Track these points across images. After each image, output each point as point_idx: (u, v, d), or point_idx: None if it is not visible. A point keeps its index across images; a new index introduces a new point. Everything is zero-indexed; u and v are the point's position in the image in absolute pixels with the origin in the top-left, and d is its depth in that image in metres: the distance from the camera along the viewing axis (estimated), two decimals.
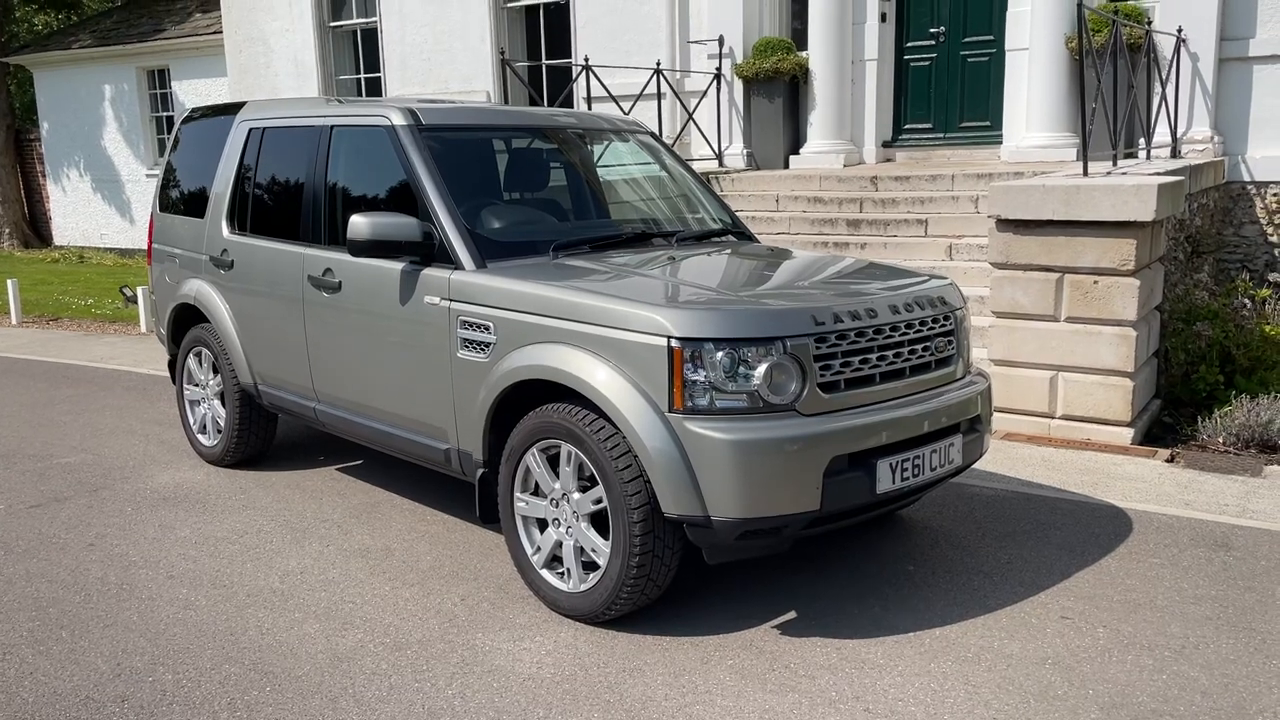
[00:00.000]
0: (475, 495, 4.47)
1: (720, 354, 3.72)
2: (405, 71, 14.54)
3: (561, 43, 13.46)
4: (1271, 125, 9.67)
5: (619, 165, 5.63)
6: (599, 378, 3.87)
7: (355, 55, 15.61)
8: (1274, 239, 9.80)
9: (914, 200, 9.49)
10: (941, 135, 11.29)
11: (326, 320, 5.16)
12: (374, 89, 15.25)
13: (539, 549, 4.24)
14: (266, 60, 16.00)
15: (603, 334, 3.90)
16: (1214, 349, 7.14)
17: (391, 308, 4.76)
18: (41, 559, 4.86)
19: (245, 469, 6.16)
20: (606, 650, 3.88)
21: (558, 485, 4.13)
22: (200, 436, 6.35)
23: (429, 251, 4.59)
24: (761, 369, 3.74)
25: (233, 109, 6.22)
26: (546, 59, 13.77)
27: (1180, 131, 9.73)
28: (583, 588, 4.06)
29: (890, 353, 4.08)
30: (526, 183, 5.40)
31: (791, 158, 11.44)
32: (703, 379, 3.72)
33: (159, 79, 18.94)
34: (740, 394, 3.74)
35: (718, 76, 11.66)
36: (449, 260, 4.55)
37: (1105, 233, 6.45)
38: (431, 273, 4.58)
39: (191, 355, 6.29)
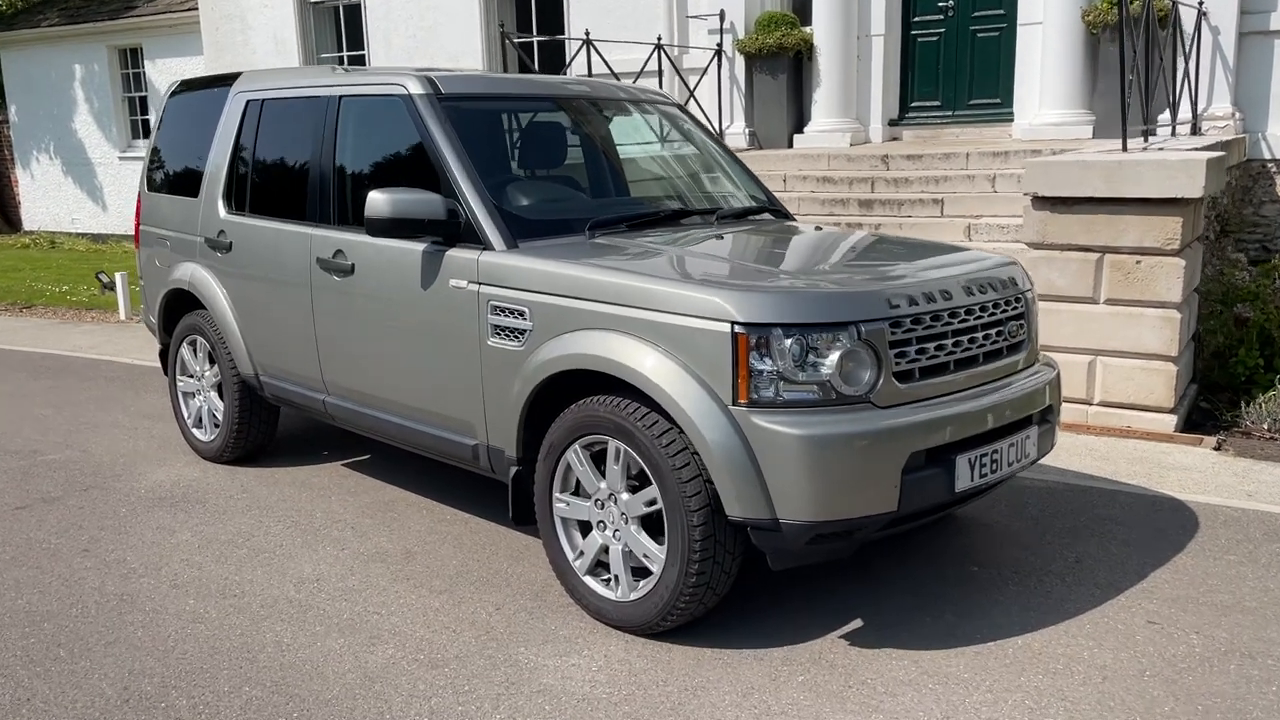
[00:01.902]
0: (508, 495, 4.12)
1: (789, 341, 3.38)
2: (390, 48, 14.07)
3: (553, 18, 13.03)
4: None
5: (645, 138, 5.26)
6: (652, 367, 3.53)
7: (337, 31, 15.12)
8: None
9: (928, 179, 9.18)
10: (950, 113, 10.97)
11: (337, 306, 4.78)
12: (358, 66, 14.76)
13: (581, 554, 3.90)
14: (244, 38, 15.48)
15: (656, 320, 3.55)
16: (1254, 331, 6.88)
17: (411, 292, 4.39)
18: (32, 567, 4.47)
19: (245, 465, 5.77)
20: (663, 666, 3.54)
21: (603, 485, 3.78)
22: (196, 431, 5.95)
23: (454, 231, 4.23)
24: (834, 357, 3.41)
25: (226, 80, 5.81)
26: (538, 34, 13.33)
27: (1201, 108, 9.46)
28: (633, 596, 3.72)
29: (965, 338, 3.75)
30: (550, 157, 5.03)
31: (795, 136, 11.10)
32: (770, 368, 3.38)
33: (131, 58, 18.32)
34: (810, 385, 3.40)
35: (719, 53, 11.30)
36: (476, 240, 4.18)
37: (1149, 210, 6.15)
38: (457, 254, 4.21)
39: (185, 344, 5.89)
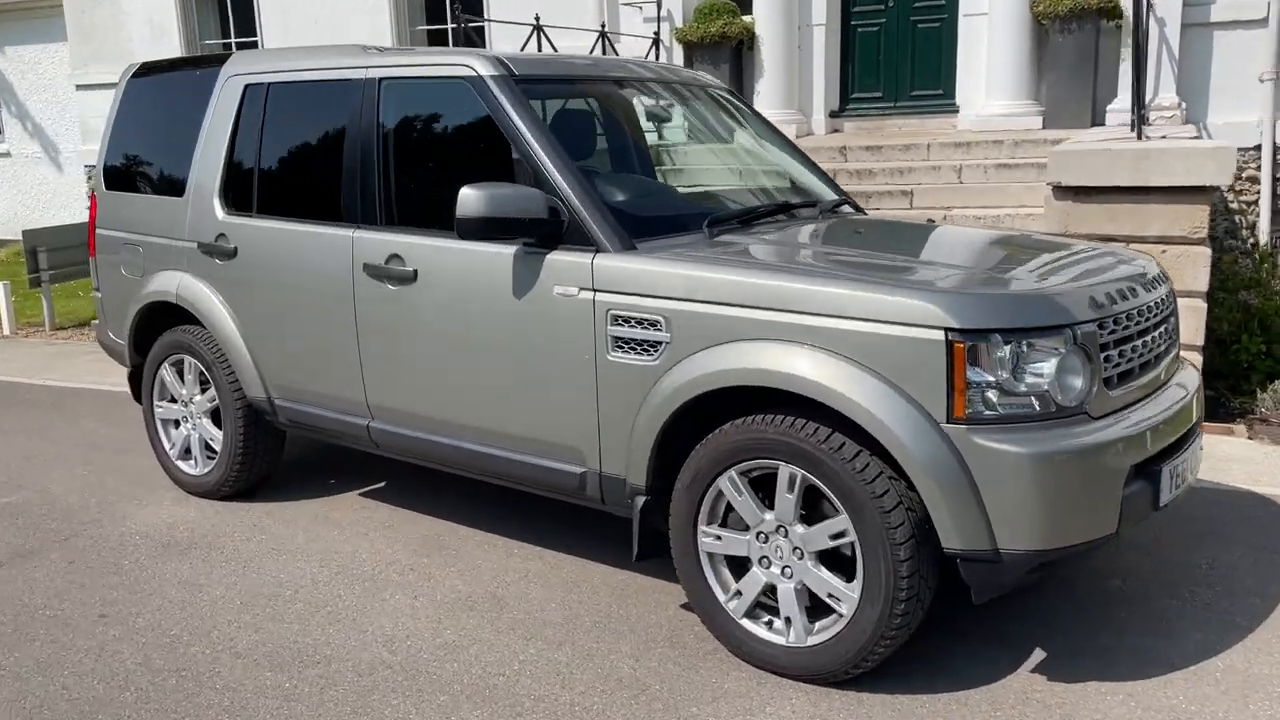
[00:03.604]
0: (633, 529, 3.63)
1: (1008, 348, 3.02)
2: (288, 36, 13.11)
3: (471, 1, 12.36)
4: (1230, 92, 9.62)
5: (712, 125, 4.82)
6: (845, 382, 3.11)
7: (223, 16, 14.02)
8: (1234, 206, 9.80)
9: (892, 171, 9.01)
10: (892, 104, 10.86)
11: (391, 319, 4.18)
12: None
13: (737, 594, 3.45)
14: (117, 22, 14.21)
15: (844, 328, 3.13)
16: (1255, 319, 6.92)
17: (499, 302, 3.84)
18: (47, 641, 3.73)
19: (243, 500, 5.07)
20: None
21: (770, 516, 3.34)
22: (182, 464, 5.20)
23: (554, 231, 3.71)
24: (1051, 364, 3.06)
25: (204, 62, 5.10)
26: (453, 21, 12.62)
27: (1148, 98, 9.58)
28: (812, 641, 3.30)
29: (1146, 339, 3.47)
30: (625, 146, 4.54)
31: None
32: (987, 380, 3.01)
33: None
34: (1028, 396, 3.05)
35: (656, 42, 10.89)
36: (583, 241, 3.67)
37: (1175, 199, 6.07)
38: (561, 257, 3.69)
39: (167, 365, 5.14)
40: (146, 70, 5.42)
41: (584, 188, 3.74)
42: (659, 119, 4.64)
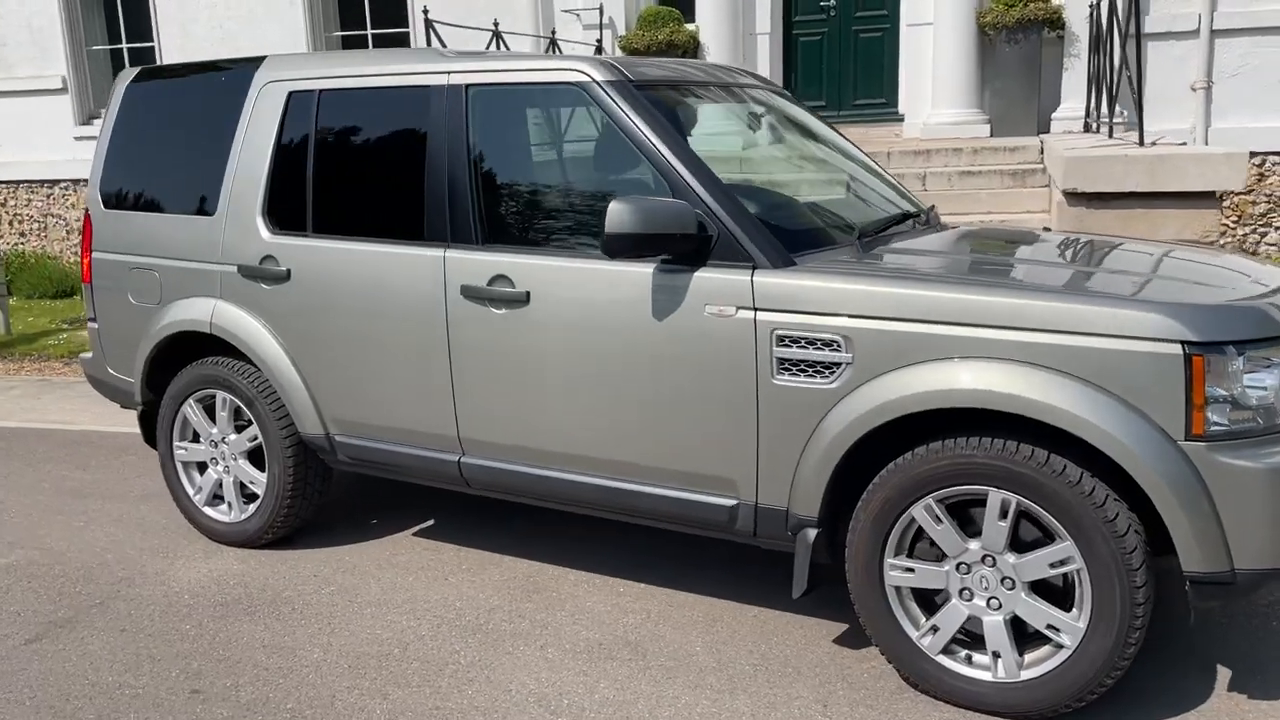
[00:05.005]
0: (799, 565, 3.40)
1: (1241, 360, 2.92)
2: (187, 40, 12.33)
3: (393, 6, 11.86)
4: (1163, 100, 9.99)
5: (787, 130, 4.63)
6: (1074, 402, 2.95)
7: (114, 20, 13.08)
8: None
9: None
10: (835, 113, 10.90)
11: (497, 345, 3.83)
12: (144, 63, 12.82)
13: (932, 629, 3.25)
14: None
15: (1066, 344, 2.98)
16: None
17: (636, 323, 3.56)
18: None
19: (284, 548, 4.61)
20: None
21: (974, 545, 3.16)
22: (211, 511, 4.69)
23: (702, 246, 3.45)
24: (1275, 376, 2.98)
25: (234, 65, 4.61)
26: (373, 27, 12.10)
27: (1091, 106, 9.86)
28: (1026, 676, 3.13)
29: None
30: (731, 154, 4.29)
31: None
32: (1222, 394, 2.91)
33: None
34: (1257, 410, 2.96)
35: (599, 50, 10.65)
36: (733, 257, 3.43)
37: (1187, 204, 6.21)
38: (712, 275, 3.44)
39: (192, 403, 4.62)
40: (149, 75, 4.89)
41: (733, 200, 3.50)
42: (754, 123, 4.42)
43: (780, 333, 3.34)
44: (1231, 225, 9.82)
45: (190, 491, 4.74)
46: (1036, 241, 4.04)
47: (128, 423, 6.61)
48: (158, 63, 11.97)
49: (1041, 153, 9.11)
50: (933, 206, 4.56)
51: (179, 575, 4.39)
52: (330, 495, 4.90)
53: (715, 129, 4.28)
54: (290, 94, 4.35)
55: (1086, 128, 9.71)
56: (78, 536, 4.86)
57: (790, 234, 3.56)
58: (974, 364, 3.08)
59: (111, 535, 4.85)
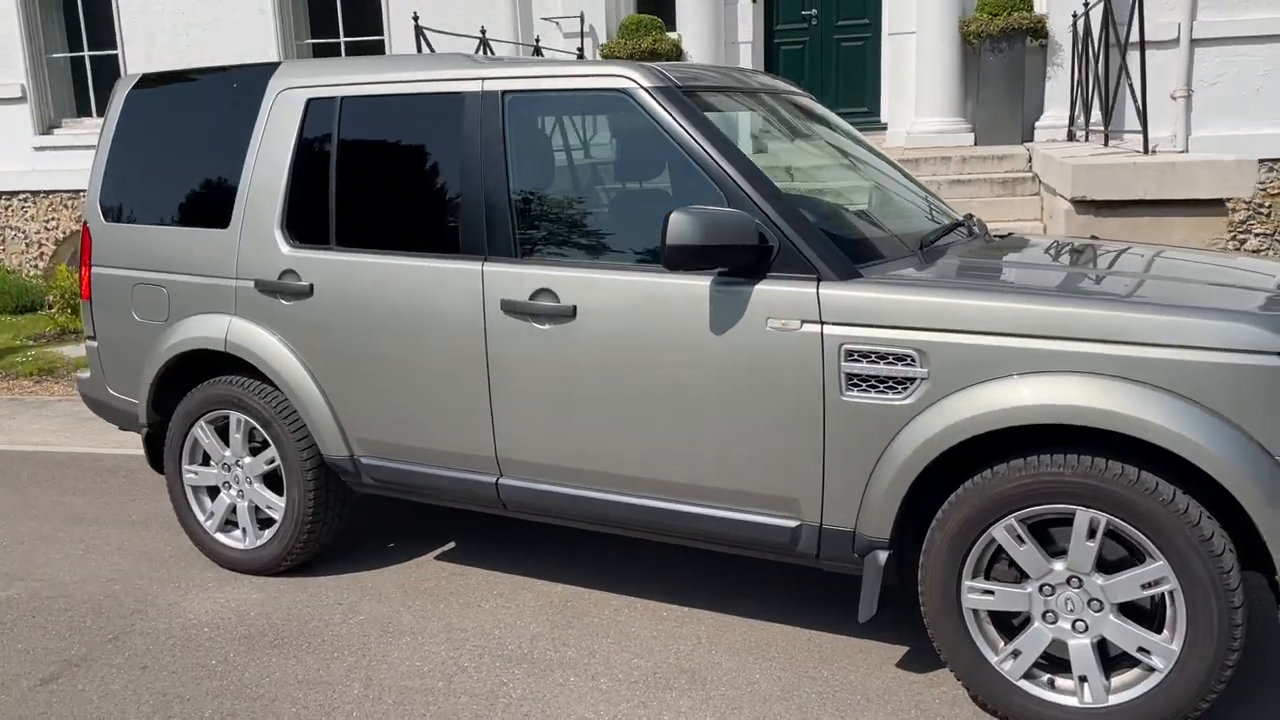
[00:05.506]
0: (868, 587, 3.28)
1: None
2: (153, 48, 12.00)
3: (368, 14, 11.63)
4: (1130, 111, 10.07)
5: (825, 137, 4.52)
6: (1170, 417, 2.86)
7: (74, 28, 12.70)
8: None
9: None
10: None
11: (540, 361, 3.67)
12: (106, 71, 12.48)
13: (1013, 654, 3.14)
14: None
15: (1157, 357, 2.89)
16: None
17: (691, 338, 3.42)
18: None
19: (301, 575, 4.41)
20: None
21: (1059, 566, 3.06)
22: (223, 537, 4.47)
23: (763, 258, 3.33)
24: None
25: (245, 71, 4.41)
26: (346, 35, 11.85)
27: (1077, 114, 9.91)
28: (1115, 700, 3.01)
29: None
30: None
31: None
32: None
33: None
34: None
35: (580, 58, 10.50)
36: (795, 268, 3.31)
37: (1196, 211, 6.21)
38: (774, 288, 3.31)
39: (203, 424, 4.41)
40: (151, 81, 4.67)
41: (793, 210, 3.38)
42: (796, 131, 4.30)
43: (849, 347, 3.22)
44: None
45: (200, 517, 4.52)
46: (1099, 251, 3.96)
47: (112, 443, 6.37)
48: (122, 72, 11.67)
49: (1029, 161, 9.12)
50: (970, 215, 4.48)
51: (194, 606, 4.17)
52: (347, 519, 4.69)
53: (760, 136, 4.17)
54: (309, 101, 4.17)
55: (1070, 136, 9.75)
56: (79, 566, 4.61)
57: (852, 244, 3.44)
58: (1062, 379, 2.98)
59: (115, 564, 4.61)
